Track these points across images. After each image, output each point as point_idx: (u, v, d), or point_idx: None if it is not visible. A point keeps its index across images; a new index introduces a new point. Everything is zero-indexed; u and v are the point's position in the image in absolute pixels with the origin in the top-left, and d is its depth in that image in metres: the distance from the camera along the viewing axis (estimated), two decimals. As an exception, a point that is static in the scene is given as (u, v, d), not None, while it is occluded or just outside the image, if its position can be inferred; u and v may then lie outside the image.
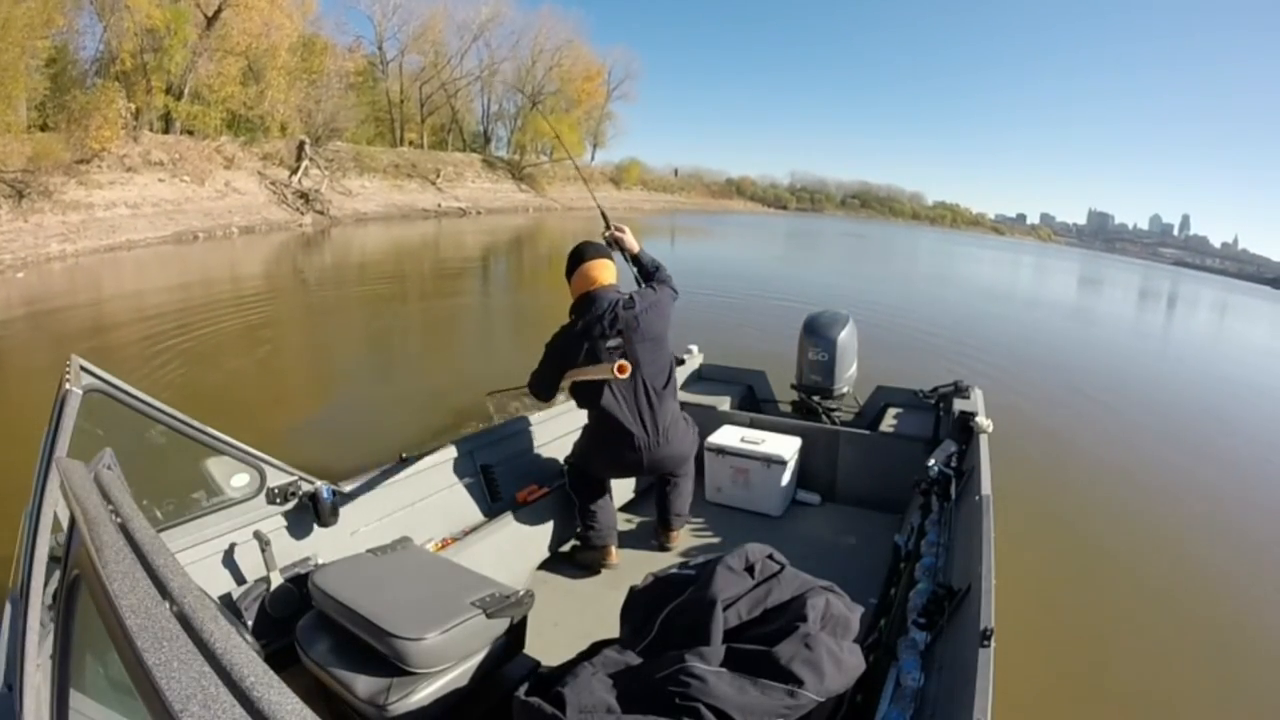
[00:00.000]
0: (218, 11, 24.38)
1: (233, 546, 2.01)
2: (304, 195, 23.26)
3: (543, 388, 2.82)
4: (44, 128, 18.62)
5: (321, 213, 22.95)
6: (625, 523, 3.38)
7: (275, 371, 7.53)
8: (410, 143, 38.18)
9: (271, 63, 25.92)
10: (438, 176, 32.79)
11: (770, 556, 1.90)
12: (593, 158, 51.40)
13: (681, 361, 3.99)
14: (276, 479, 2.12)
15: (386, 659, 1.63)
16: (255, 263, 15.40)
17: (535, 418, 3.26)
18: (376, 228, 23.25)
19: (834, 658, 1.52)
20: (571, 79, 45.10)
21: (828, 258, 28.96)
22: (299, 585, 2.01)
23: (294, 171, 24.41)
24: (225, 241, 17.80)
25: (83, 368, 1.53)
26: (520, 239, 24.62)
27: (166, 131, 23.50)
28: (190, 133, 23.75)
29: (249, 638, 1.87)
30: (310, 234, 20.08)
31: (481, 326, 10.99)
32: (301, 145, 25.34)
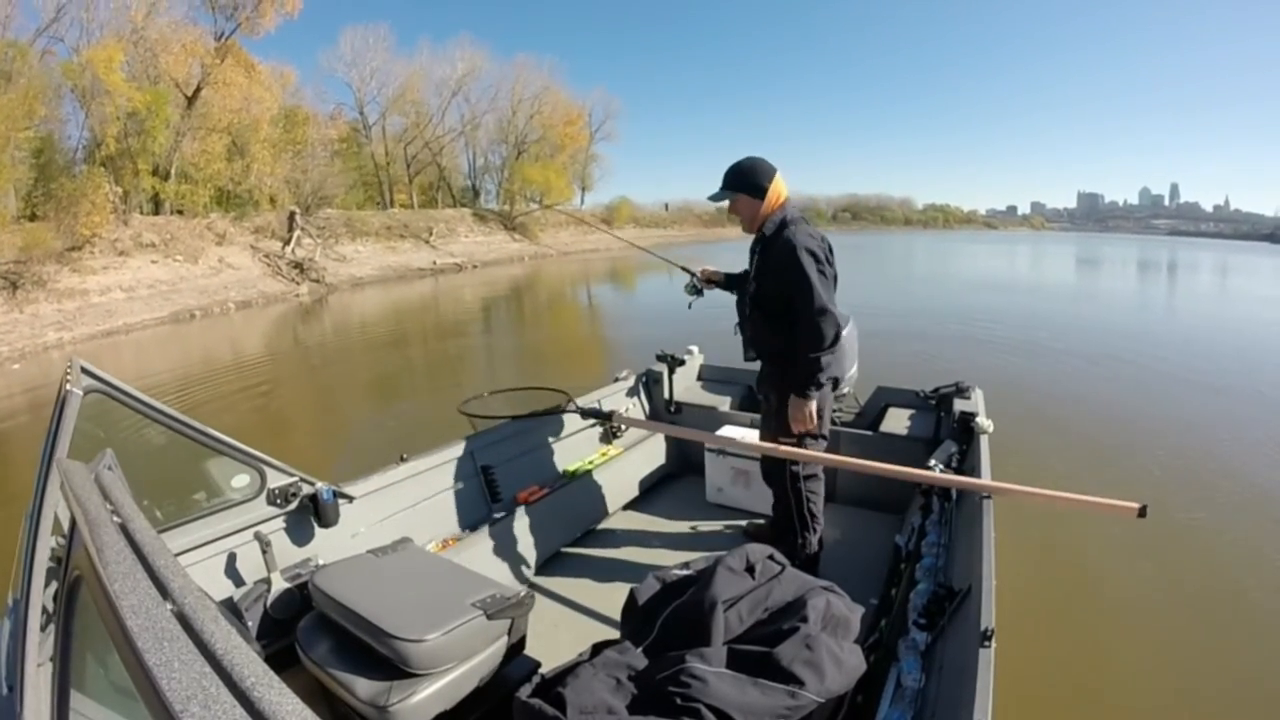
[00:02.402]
0: (197, 90, 24.71)
1: (233, 548, 2.02)
2: (298, 265, 23.33)
3: (825, 313, 2.39)
4: (33, 217, 18.73)
5: (317, 281, 23.00)
6: (628, 521, 3.41)
7: (278, 428, 7.62)
8: (400, 204, 38.44)
9: (254, 137, 26.24)
10: (430, 235, 32.86)
11: (771, 557, 1.91)
12: (582, 201, 51.67)
13: (681, 362, 4.04)
14: (277, 480, 2.13)
15: (387, 660, 1.63)
16: (254, 334, 15.33)
17: (535, 419, 3.26)
18: (374, 291, 23.18)
19: (835, 658, 1.53)
20: (553, 125, 45.50)
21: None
22: (300, 586, 2.02)
23: (286, 242, 24.52)
24: (223, 318, 17.68)
25: (83, 369, 1.54)
26: (520, 288, 24.42)
27: (156, 212, 23.58)
28: (180, 212, 23.88)
29: (250, 639, 1.87)
30: (308, 303, 20.00)
31: (486, 366, 11.03)
32: (292, 216, 25.55)
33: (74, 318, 15.79)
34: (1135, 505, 2.06)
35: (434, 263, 29.95)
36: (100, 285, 17.86)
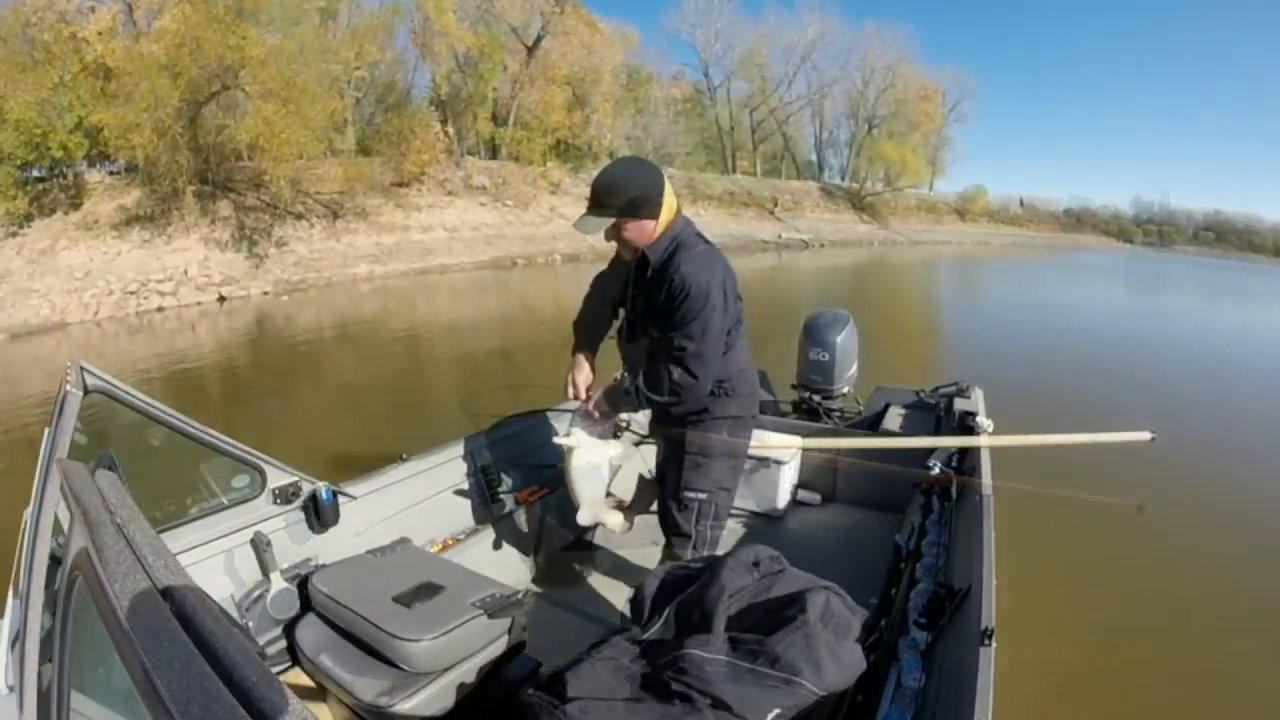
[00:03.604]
0: (538, 40, 24.76)
1: (233, 547, 2.00)
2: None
3: (704, 375, 2.03)
4: (366, 153, 19.28)
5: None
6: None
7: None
8: (742, 170, 37.01)
9: (595, 89, 26.27)
10: (775, 206, 31.59)
11: (775, 558, 1.90)
12: (930, 186, 47.60)
13: None
14: (277, 480, 2.10)
15: (387, 660, 1.63)
16: (578, 289, 15.20)
17: (536, 418, 3.24)
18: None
19: (832, 652, 1.52)
20: (907, 100, 41.71)
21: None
22: (299, 586, 2.01)
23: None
24: (547, 268, 17.17)
25: (83, 368, 1.52)
26: (881, 277, 22.49)
27: (494, 158, 23.90)
28: (516, 159, 24.05)
29: (250, 639, 1.86)
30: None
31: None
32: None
33: (390, 252, 15.96)
34: (1147, 435, 2.06)
35: (779, 236, 28.56)
36: (423, 223, 17.96)
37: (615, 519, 2.41)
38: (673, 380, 2.00)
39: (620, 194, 1.98)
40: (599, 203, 2.00)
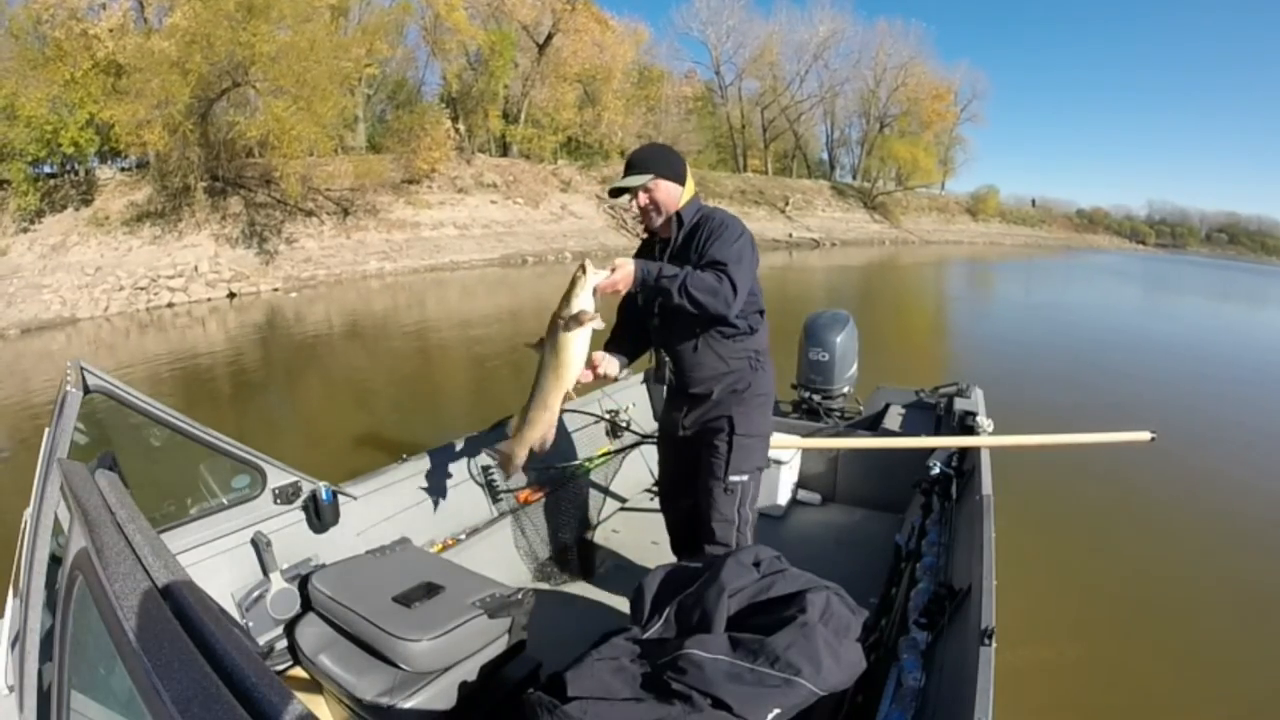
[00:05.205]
0: (549, 38, 24.85)
1: (233, 547, 2.01)
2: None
3: (738, 298, 2.02)
4: (376, 150, 19.49)
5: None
6: (629, 520, 3.41)
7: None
8: (754, 169, 37.11)
9: (606, 87, 26.37)
10: (786, 204, 31.54)
11: (776, 558, 1.91)
12: (942, 186, 47.96)
13: None
14: (277, 480, 2.11)
15: (387, 660, 1.63)
16: None
17: None
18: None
19: (831, 650, 1.52)
20: (918, 99, 41.29)
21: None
22: (299, 586, 2.01)
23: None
24: (557, 266, 17.19)
25: (83, 368, 1.53)
26: (891, 276, 22.01)
27: (504, 155, 24.01)
28: (526, 157, 24.27)
29: (250, 639, 1.87)
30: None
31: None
32: (640, 168, 25.87)
33: (400, 249, 16.02)
34: (1147, 435, 2.08)
35: (790, 235, 28.46)
36: (433, 220, 18.05)
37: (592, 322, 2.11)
38: (717, 282, 2.00)
39: (654, 160, 2.22)
40: (634, 167, 2.21)
